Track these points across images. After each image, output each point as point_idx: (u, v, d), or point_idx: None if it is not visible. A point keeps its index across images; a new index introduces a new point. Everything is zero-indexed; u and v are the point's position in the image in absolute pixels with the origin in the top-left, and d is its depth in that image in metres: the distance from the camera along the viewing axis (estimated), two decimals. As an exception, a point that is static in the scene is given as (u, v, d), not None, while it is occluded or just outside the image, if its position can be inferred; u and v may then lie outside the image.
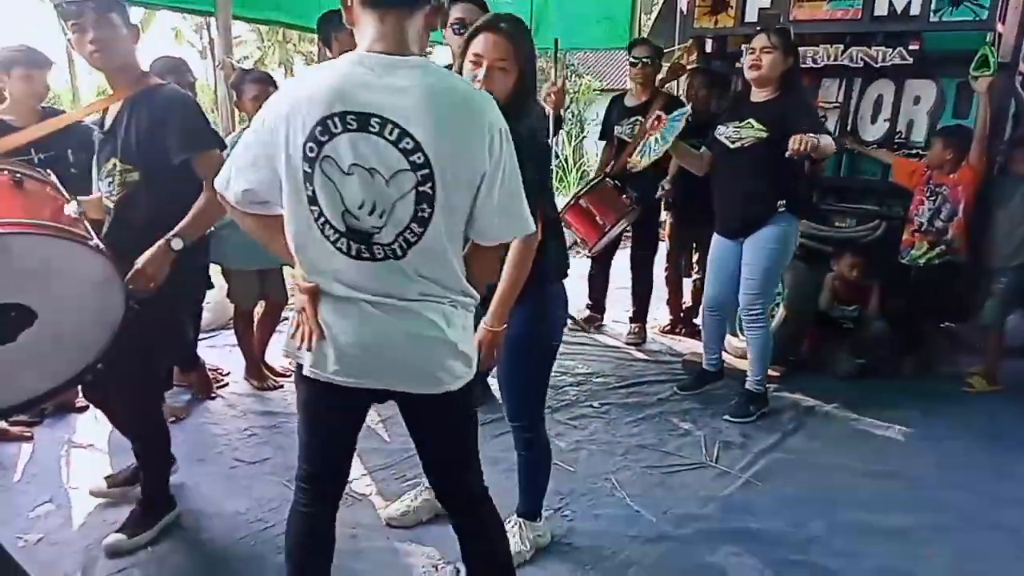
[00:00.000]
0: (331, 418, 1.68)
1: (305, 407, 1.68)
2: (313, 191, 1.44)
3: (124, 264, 2.09)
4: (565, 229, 3.08)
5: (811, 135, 3.01)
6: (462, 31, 3.18)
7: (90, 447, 3.06)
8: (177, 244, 2.17)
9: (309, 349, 1.55)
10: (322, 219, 1.46)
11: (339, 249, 1.48)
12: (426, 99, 1.41)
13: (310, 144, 1.42)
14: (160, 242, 2.16)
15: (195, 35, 24.03)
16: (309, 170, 1.43)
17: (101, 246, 2.00)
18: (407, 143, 1.41)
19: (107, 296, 2.03)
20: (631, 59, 4.39)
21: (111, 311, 2.05)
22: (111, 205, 2.28)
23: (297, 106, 1.43)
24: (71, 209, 2.07)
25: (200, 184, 2.21)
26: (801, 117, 3.18)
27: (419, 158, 1.41)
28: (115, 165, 2.24)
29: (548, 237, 2.03)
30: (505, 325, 1.98)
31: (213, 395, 3.57)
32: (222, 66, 4.42)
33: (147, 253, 2.15)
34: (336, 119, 1.41)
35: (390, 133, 1.40)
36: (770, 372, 3.86)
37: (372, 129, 1.41)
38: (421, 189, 1.43)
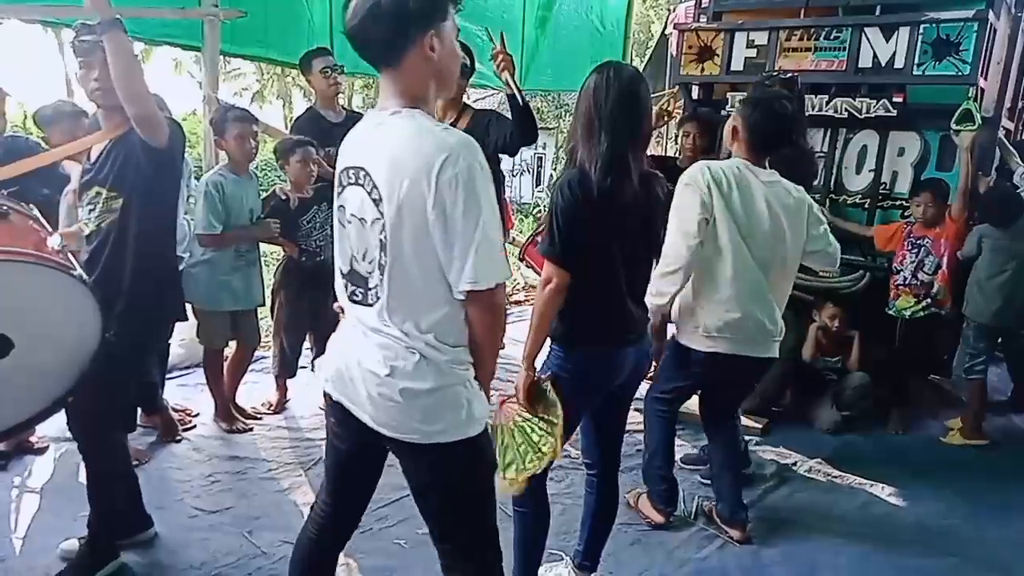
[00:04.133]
0: (337, 440, 1.76)
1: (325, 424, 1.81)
2: (340, 235, 1.64)
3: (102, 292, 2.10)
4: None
5: None
6: None
7: (43, 491, 2.94)
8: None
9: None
10: (340, 260, 1.65)
11: (344, 287, 1.65)
12: (387, 148, 1.48)
13: (335, 194, 1.64)
14: None
15: (195, 66, 24.26)
16: (339, 215, 1.63)
17: (84, 276, 2.03)
18: (376, 194, 1.49)
19: (84, 327, 2.04)
20: None
21: (86, 342, 2.06)
22: (89, 231, 2.31)
23: (339, 158, 1.64)
24: (54, 242, 2.08)
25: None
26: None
27: (381, 208, 1.48)
28: (98, 193, 2.29)
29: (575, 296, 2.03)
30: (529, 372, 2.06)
31: (179, 438, 3.46)
32: (207, 101, 4.40)
33: None
34: (345, 173, 1.59)
35: (368, 184, 1.50)
36: (753, 424, 3.80)
37: (360, 181, 1.53)
38: (381, 237, 1.49)
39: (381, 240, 1.49)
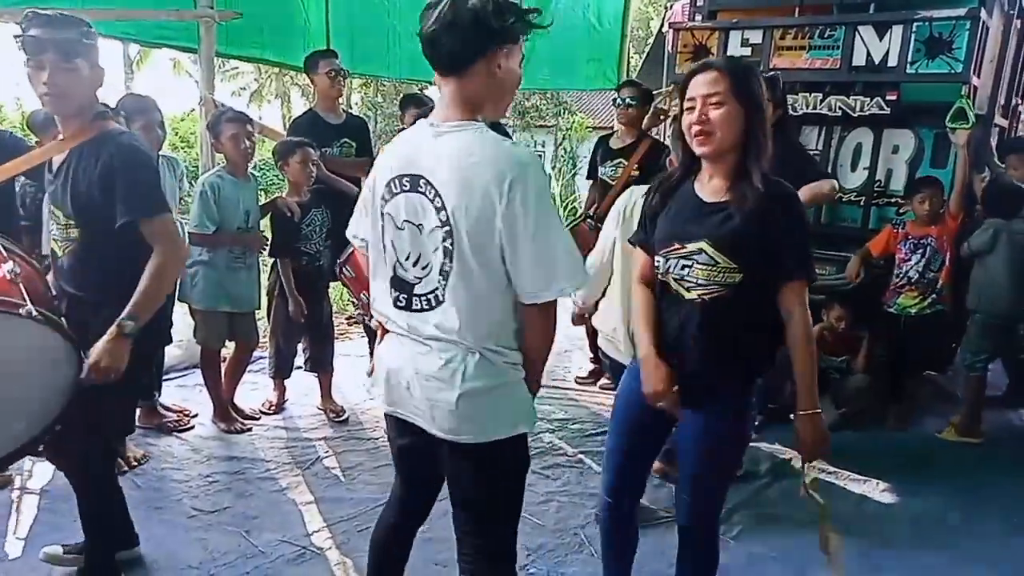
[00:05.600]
0: (398, 448, 1.85)
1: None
2: (382, 241, 1.68)
3: (76, 316, 2.04)
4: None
5: None
6: None
7: (43, 493, 2.96)
8: (130, 326, 1.98)
9: (369, 375, 1.84)
10: (384, 266, 1.68)
11: (389, 295, 1.68)
12: (453, 158, 1.53)
13: (380, 201, 1.66)
14: (112, 328, 1.97)
15: (194, 66, 24.24)
16: (381, 223, 1.67)
17: (35, 312, 1.89)
18: (438, 202, 1.55)
19: (54, 358, 1.96)
20: (618, 100, 4.34)
21: (61, 372, 1.98)
22: (60, 255, 2.19)
23: (381, 167, 1.68)
24: (6, 270, 1.95)
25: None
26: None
27: (444, 216, 1.54)
28: (54, 214, 2.16)
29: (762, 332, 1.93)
30: (818, 409, 1.89)
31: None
32: (203, 102, 4.41)
33: (99, 344, 1.97)
34: (397, 181, 1.62)
35: (429, 192, 1.56)
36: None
37: (420, 189, 1.58)
38: (445, 244, 1.55)
39: (446, 247, 1.55)
